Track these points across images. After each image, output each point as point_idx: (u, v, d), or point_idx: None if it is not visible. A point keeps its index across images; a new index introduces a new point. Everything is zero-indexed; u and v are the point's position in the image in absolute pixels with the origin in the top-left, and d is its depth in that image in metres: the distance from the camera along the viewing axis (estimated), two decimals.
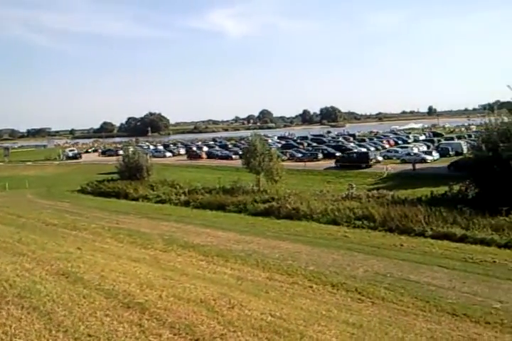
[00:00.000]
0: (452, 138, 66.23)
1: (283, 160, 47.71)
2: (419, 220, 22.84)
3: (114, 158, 62.28)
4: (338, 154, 54.73)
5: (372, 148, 63.28)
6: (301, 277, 14.70)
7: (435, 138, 69.23)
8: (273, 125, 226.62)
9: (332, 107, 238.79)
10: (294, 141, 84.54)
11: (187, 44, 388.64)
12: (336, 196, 31.78)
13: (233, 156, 63.64)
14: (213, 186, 38.57)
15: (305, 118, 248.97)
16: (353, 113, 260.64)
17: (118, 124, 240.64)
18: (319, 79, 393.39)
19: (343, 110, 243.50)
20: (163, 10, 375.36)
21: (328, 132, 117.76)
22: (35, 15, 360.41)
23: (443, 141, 61.93)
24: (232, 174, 45.72)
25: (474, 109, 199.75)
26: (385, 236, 22.32)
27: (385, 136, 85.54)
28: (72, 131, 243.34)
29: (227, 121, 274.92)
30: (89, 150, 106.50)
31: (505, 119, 27.51)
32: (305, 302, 11.12)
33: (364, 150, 59.44)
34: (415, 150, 53.19)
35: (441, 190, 29.59)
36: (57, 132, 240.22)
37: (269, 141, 77.53)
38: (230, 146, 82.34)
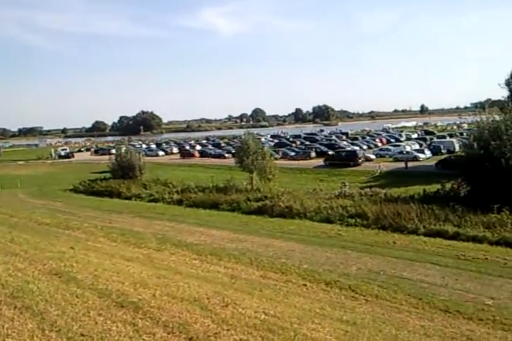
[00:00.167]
0: (444, 137, 66.47)
1: (276, 159, 47.68)
2: (411, 218, 22.97)
3: (107, 157, 61.98)
4: (330, 152, 54.87)
5: (365, 147, 63.51)
6: (295, 275, 14.74)
7: (427, 137, 69.51)
8: (266, 124, 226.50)
9: (325, 106, 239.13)
10: (287, 139, 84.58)
11: (179, 43, 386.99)
12: (329, 194, 31.86)
13: (226, 155, 63.60)
14: (206, 185, 38.52)
15: (298, 116, 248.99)
16: (345, 111, 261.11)
17: (110, 123, 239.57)
18: (312, 78, 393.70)
19: (335, 109, 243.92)
20: (156, 9, 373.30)
21: (321, 131, 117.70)
22: (30, 15, 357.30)
23: (435, 139, 62.21)
24: (225, 173, 45.68)
25: (466, 108, 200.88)
26: (378, 234, 22.42)
27: (377, 134, 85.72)
28: (64, 130, 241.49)
29: (220, 119, 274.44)
30: (82, 149, 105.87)
31: (497, 118, 27.71)
32: (299, 301, 11.15)
33: (357, 148, 59.62)
34: (407, 149, 53.33)
35: (434, 187, 29.75)
36: (49, 131, 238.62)
37: (262, 139, 77.57)
38: (223, 145, 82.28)
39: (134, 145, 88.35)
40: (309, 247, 19.58)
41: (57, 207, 35.72)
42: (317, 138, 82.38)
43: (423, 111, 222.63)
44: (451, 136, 67.59)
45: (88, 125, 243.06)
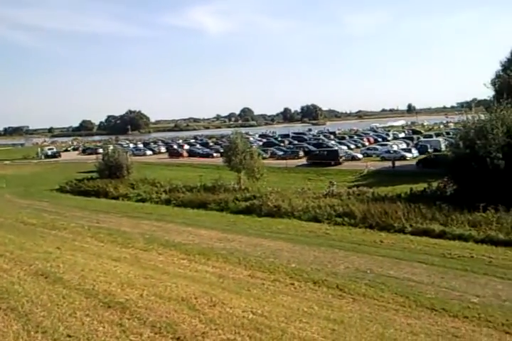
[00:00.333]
0: (431, 136, 66.97)
1: (264, 158, 47.70)
2: (398, 217, 23.12)
3: (94, 156, 61.57)
4: (312, 151, 55.16)
5: (353, 146, 63.83)
6: (283, 274, 14.78)
7: (414, 136, 70.03)
8: (254, 123, 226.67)
9: (313, 105, 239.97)
10: (275, 138, 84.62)
11: (167, 42, 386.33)
12: (317, 193, 31.93)
13: (214, 154, 63.43)
14: (194, 184, 38.39)
15: (286, 116, 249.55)
16: (333, 111, 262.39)
17: (97, 122, 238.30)
18: (300, 78, 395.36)
19: (323, 108, 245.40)
20: (143, 8, 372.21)
21: (309, 130, 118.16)
22: (15, 12, 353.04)
23: (422, 139, 62.68)
24: (214, 172, 45.56)
25: (452, 107, 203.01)
26: (365, 232, 22.54)
27: (365, 133, 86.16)
28: (50, 130, 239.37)
29: (209, 119, 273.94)
30: (69, 148, 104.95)
31: (482, 117, 27.99)
32: (286, 300, 11.19)
33: (345, 147, 59.97)
34: (395, 148, 53.65)
35: (421, 186, 29.95)
36: (35, 130, 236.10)
37: (251, 138, 77.50)
38: (211, 144, 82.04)
39: (121, 145, 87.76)
40: (297, 246, 19.63)
41: (43, 207, 35.38)
42: (305, 137, 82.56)
43: (410, 110, 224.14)
44: (437, 135, 68.09)
45: (75, 124, 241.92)
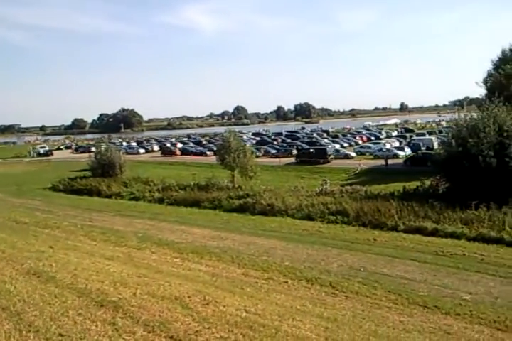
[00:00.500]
0: (424, 134, 67.20)
1: (257, 157, 47.70)
2: (391, 215, 23.23)
3: (87, 155, 61.15)
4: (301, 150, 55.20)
5: (346, 144, 63.98)
6: (276, 272, 14.80)
7: (407, 134, 70.23)
8: (248, 121, 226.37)
9: (306, 104, 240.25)
10: (269, 137, 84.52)
11: (161, 41, 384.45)
12: (310, 192, 31.99)
13: (208, 153, 63.32)
14: (188, 183, 38.32)
15: (279, 114, 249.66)
16: (326, 109, 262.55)
17: (90, 121, 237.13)
18: (293, 76, 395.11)
19: (317, 106, 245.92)
20: (136, 5, 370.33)
21: (303, 128, 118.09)
22: (5, 10, 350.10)
23: (415, 137, 62.88)
24: (207, 170, 45.51)
25: (445, 106, 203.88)
26: (358, 230, 22.62)
27: (358, 132, 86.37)
28: (42, 128, 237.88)
29: (202, 117, 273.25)
30: (61, 147, 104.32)
31: (474, 115, 28.12)
32: (280, 298, 11.20)
33: (337, 145, 60.11)
34: (388, 146, 53.78)
35: (413, 185, 30.09)
36: (27, 129, 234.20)
37: (244, 137, 77.37)
38: (204, 143, 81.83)
39: (114, 143, 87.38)
40: (291, 244, 19.66)
41: (36, 205, 35.19)
42: (298, 135, 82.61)
43: (403, 109, 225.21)
44: (430, 133, 68.34)
45: (67, 122, 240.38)
